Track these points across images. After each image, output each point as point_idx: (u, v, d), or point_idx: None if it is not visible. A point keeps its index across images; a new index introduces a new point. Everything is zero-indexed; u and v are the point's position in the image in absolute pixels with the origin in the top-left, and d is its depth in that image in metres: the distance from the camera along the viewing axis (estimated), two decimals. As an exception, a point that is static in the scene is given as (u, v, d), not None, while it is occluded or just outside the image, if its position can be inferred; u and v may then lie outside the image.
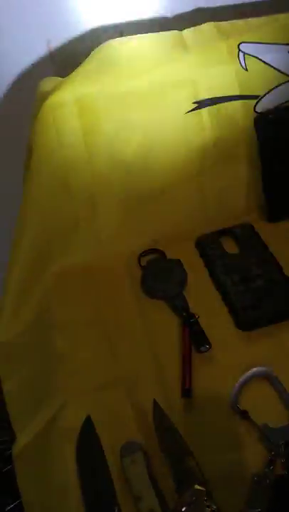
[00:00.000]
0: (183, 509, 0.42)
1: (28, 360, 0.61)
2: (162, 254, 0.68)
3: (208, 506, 0.42)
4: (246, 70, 0.66)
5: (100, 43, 0.64)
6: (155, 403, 0.50)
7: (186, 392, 0.52)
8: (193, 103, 0.65)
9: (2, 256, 0.66)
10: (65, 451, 0.48)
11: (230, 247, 0.67)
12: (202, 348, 0.55)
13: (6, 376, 0.60)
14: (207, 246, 0.67)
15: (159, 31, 0.66)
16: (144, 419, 0.50)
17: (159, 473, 0.45)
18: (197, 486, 0.43)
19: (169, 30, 0.66)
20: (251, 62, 0.66)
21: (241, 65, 0.66)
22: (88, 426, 0.49)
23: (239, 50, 0.66)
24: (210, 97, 0.65)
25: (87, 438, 0.48)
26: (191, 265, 0.65)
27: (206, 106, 0.65)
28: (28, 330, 0.63)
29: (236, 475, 0.45)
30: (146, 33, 0.65)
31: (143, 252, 0.68)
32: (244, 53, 0.66)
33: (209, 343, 0.56)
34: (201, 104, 0.65)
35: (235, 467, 0.46)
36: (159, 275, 0.64)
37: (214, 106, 0.65)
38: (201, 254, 0.67)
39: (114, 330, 0.59)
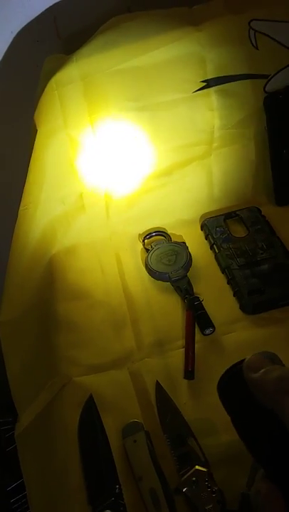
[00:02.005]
0: (184, 489, 0.42)
1: (32, 339, 0.60)
2: (167, 236, 0.67)
3: (209, 487, 0.42)
4: (257, 48, 0.64)
5: (107, 20, 0.63)
6: (158, 384, 0.50)
7: (189, 375, 0.51)
8: (201, 82, 0.63)
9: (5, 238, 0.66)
10: (67, 430, 0.48)
11: (236, 230, 0.66)
12: (206, 331, 0.55)
13: (10, 355, 0.60)
14: (213, 229, 0.66)
15: (167, 7, 0.64)
16: (146, 401, 0.50)
17: (160, 454, 0.46)
18: (198, 467, 0.43)
19: (178, 6, 0.64)
20: (262, 41, 0.64)
21: (252, 43, 0.64)
22: (90, 405, 0.49)
23: (250, 27, 0.64)
24: (218, 75, 0.63)
25: (89, 418, 0.49)
26: (196, 248, 0.65)
27: (214, 85, 0.63)
28: (32, 309, 0.63)
29: (237, 457, 0.45)
30: (154, 9, 0.63)
31: (148, 234, 0.67)
32: (255, 31, 0.64)
33: (213, 326, 0.55)
34: (209, 83, 0.63)
35: (236, 449, 0.46)
36: (163, 257, 0.63)
37: (223, 85, 0.63)
38: (207, 237, 0.66)
39: (118, 310, 0.59)
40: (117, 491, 0.43)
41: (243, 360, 0.36)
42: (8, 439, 0.87)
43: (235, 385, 0.32)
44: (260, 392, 0.30)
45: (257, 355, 0.33)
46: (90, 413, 0.49)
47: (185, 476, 0.43)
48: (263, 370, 0.31)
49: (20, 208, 0.64)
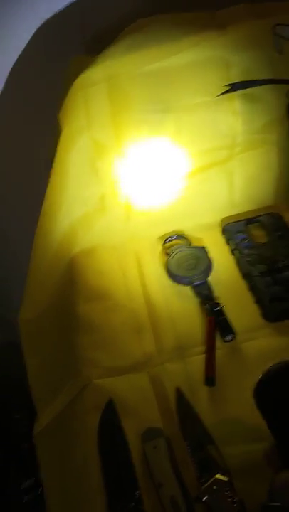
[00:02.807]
0: (204, 498, 0.42)
1: (52, 339, 0.61)
2: (187, 240, 0.67)
3: (230, 497, 0.41)
4: (281, 53, 0.63)
5: (132, 22, 0.62)
6: (178, 391, 0.50)
7: (210, 381, 0.51)
8: (226, 86, 0.62)
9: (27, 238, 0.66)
10: (87, 433, 0.48)
11: (257, 236, 0.66)
12: (227, 338, 0.55)
13: (30, 353, 0.61)
14: (234, 234, 0.65)
15: (192, 11, 0.64)
16: (166, 406, 0.50)
17: (180, 461, 0.45)
18: (220, 476, 0.43)
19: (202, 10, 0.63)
20: (286, 46, 0.63)
21: (276, 48, 0.63)
22: (110, 409, 0.49)
23: (274, 32, 0.63)
24: (243, 80, 0.63)
25: (109, 421, 0.48)
26: (216, 253, 0.64)
27: (238, 89, 0.62)
28: (52, 309, 0.63)
29: (258, 466, 0.45)
30: (179, 12, 0.63)
31: (168, 238, 0.67)
32: (279, 36, 0.63)
33: (234, 333, 0.55)
34: (233, 87, 0.62)
35: (258, 458, 0.46)
36: (184, 262, 0.63)
37: (247, 89, 0.63)
38: (228, 242, 0.66)
39: (138, 314, 0.58)
40: (137, 496, 0.43)
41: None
42: (23, 436, 0.88)
43: (270, 394, 0.32)
44: None
45: None
46: (110, 416, 0.49)
47: (206, 485, 0.42)
48: None
49: (42, 209, 0.64)
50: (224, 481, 0.42)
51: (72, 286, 0.63)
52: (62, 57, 0.65)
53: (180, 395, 0.50)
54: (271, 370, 0.42)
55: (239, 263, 0.62)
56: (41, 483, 0.50)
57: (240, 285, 0.61)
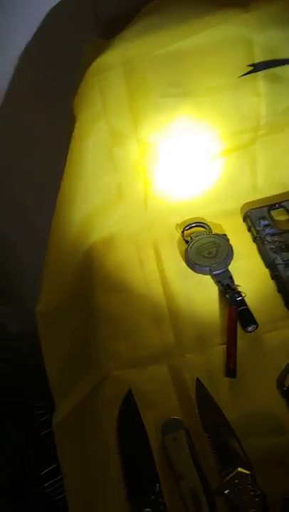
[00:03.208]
0: (226, 491, 0.41)
1: (70, 330, 0.60)
2: (207, 227, 0.65)
3: (252, 491, 0.40)
4: (307, 30, 0.60)
5: (148, 3, 0.60)
6: (198, 381, 0.49)
7: (231, 372, 0.50)
8: (248, 66, 0.60)
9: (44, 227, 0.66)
10: (106, 424, 0.48)
11: (280, 222, 0.64)
12: (248, 328, 0.53)
13: (48, 345, 0.61)
14: (256, 220, 0.63)
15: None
16: (186, 397, 0.49)
17: (201, 453, 0.45)
18: (241, 469, 0.42)
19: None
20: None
21: (301, 25, 0.60)
22: (129, 400, 0.48)
23: (300, 8, 0.60)
24: (266, 59, 0.60)
25: (129, 412, 0.48)
26: (238, 240, 0.62)
27: (261, 69, 0.60)
28: (70, 299, 0.63)
29: (281, 459, 0.44)
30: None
31: (187, 226, 0.66)
32: (305, 12, 0.60)
33: (256, 323, 0.53)
34: (256, 68, 0.60)
35: (280, 451, 0.44)
36: (204, 250, 0.61)
37: (270, 69, 0.60)
38: (249, 229, 0.64)
39: (157, 304, 0.57)
40: (157, 489, 0.42)
41: None
42: (43, 423, 0.89)
43: None
44: None
45: None
46: (129, 408, 0.48)
47: (227, 478, 0.41)
48: None
49: (59, 197, 0.63)
50: (246, 474, 0.41)
51: (89, 276, 0.62)
52: (75, 42, 0.64)
53: (200, 386, 0.49)
54: None
55: (261, 251, 0.60)
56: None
57: (263, 274, 0.59)
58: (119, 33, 0.59)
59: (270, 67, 0.60)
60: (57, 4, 0.65)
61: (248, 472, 0.41)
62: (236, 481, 0.41)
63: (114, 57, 0.58)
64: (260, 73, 0.60)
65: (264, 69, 0.60)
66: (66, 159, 0.63)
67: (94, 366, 0.53)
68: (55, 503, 0.84)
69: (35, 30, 0.67)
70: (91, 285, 0.60)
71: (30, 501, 0.85)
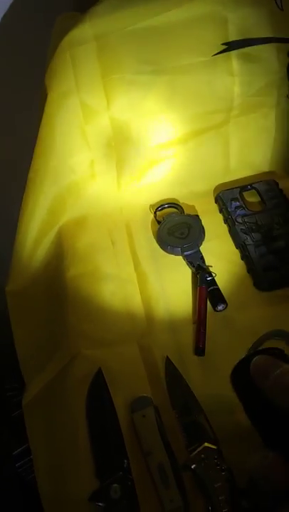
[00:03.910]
0: (193, 466, 0.42)
1: (40, 310, 0.60)
2: (180, 208, 0.65)
3: (218, 465, 0.41)
4: (282, 9, 0.60)
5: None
6: (168, 360, 0.50)
7: (200, 351, 0.50)
8: (222, 44, 0.59)
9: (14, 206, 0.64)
10: (75, 403, 0.48)
11: (252, 203, 0.64)
12: (218, 307, 0.54)
13: (18, 326, 0.60)
14: (228, 202, 0.63)
15: None
16: (156, 376, 0.49)
17: (169, 430, 0.45)
18: (208, 444, 0.43)
19: None
20: (288, 2, 0.60)
21: (277, 4, 0.60)
22: (99, 379, 0.48)
23: (275, -14, 0.59)
24: (241, 38, 0.59)
25: (98, 391, 0.48)
26: (209, 221, 0.62)
27: (235, 48, 0.59)
28: (40, 279, 0.62)
29: (247, 435, 0.45)
30: None
31: (159, 207, 0.65)
32: (280, -9, 0.60)
33: (226, 302, 0.54)
34: (230, 46, 0.59)
35: (246, 427, 0.45)
36: (175, 230, 0.61)
37: (245, 48, 0.59)
38: (221, 210, 0.64)
39: (128, 284, 0.57)
40: (125, 465, 0.43)
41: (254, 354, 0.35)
42: (15, 404, 0.88)
43: (246, 380, 0.32)
44: (276, 399, 0.29)
45: (261, 358, 0.32)
46: (99, 386, 0.48)
47: (194, 453, 0.42)
48: (273, 376, 0.30)
49: (29, 176, 0.62)
50: (213, 449, 0.42)
51: (60, 256, 0.61)
52: (49, 15, 0.62)
53: (169, 364, 0.49)
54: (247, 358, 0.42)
55: (232, 232, 0.61)
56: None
57: (234, 254, 0.59)
58: (93, 7, 0.57)
59: (244, 47, 0.59)
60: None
61: (214, 447, 0.42)
62: (203, 455, 0.42)
63: (88, 31, 0.57)
64: (234, 52, 0.59)
65: (238, 48, 0.59)
66: (37, 136, 0.61)
67: (64, 346, 0.53)
68: (27, 483, 0.84)
69: (7, 2, 0.64)
70: (62, 265, 0.60)
71: (1, 481, 0.85)
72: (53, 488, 0.44)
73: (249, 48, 0.60)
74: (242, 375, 0.32)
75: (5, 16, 0.66)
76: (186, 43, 0.59)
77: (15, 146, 0.70)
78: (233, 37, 0.59)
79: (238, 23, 0.59)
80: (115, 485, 0.41)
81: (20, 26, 0.67)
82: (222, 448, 0.43)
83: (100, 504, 0.40)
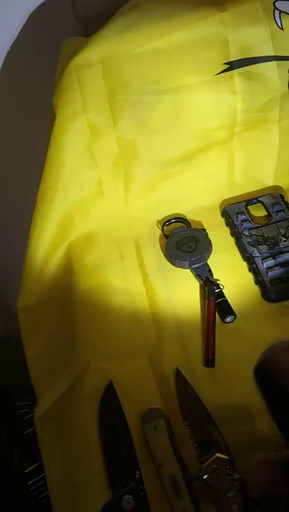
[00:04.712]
0: (205, 477, 0.42)
1: (51, 325, 0.61)
2: (187, 223, 0.66)
3: (230, 475, 0.41)
4: (282, 29, 0.62)
5: (127, 1, 0.61)
6: (178, 372, 0.50)
7: (209, 362, 0.51)
8: (224, 64, 0.61)
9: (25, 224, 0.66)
10: (87, 416, 0.48)
11: (258, 217, 0.65)
12: (227, 319, 0.54)
13: (29, 341, 0.61)
14: (234, 215, 0.64)
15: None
16: (166, 388, 0.49)
17: (180, 441, 0.45)
18: (219, 455, 0.43)
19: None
20: (288, 21, 0.62)
21: (277, 24, 0.62)
22: (110, 391, 0.49)
23: (275, 7, 0.62)
24: (242, 57, 0.61)
25: (109, 403, 0.48)
26: (216, 235, 0.63)
27: (237, 67, 0.61)
28: (50, 295, 0.63)
29: (258, 445, 0.45)
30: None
31: (167, 221, 0.66)
32: (280, 11, 0.62)
33: (234, 314, 0.55)
34: (232, 66, 0.61)
35: (257, 438, 0.45)
36: (183, 244, 0.62)
37: (246, 67, 0.61)
38: (227, 224, 0.65)
39: (137, 297, 0.58)
40: (137, 476, 0.43)
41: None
42: (26, 422, 0.88)
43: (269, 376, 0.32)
44: None
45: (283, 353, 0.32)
46: (110, 399, 0.48)
47: (206, 464, 0.42)
48: None
49: (39, 194, 0.64)
50: (224, 459, 0.42)
51: (70, 272, 0.62)
52: (55, 40, 0.64)
53: (180, 376, 0.49)
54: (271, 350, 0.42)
55: (239, 245, 0.62)
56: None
57: (241, 267, 0.60)
58: (98, 31, 0.60)
59: (246, 65, 0.61)
60: (37, 1, 0.66)
61: (226, 457, 0.42)
62: (215, 466, 0.42)
63: (94, 54, 0.59)
64: (236, 71, 0.61)
65: (240, 67, 0.61)
66: (46, 156, 0.63)
67: (74, 359, 0.54)
68: (40, 501, 0.84)
69: (15, 26, 0.67)
70: (72, 280, 0.61)
71: (14, 500, 0.85)
72: (65, 501, 0.45)
73: (250, 66, 0.62)
74: (266, 372, 0.32)
75: (14, 40, 0.69)
76: (189, 64, 0.61)
77: (24, 165, 0.72)
78: (234, 56, 0.61)
79: (239, 43, 0.61)
80: (128, 496, 0.41)
81: (28, 50, 0.70)
82: (234, 458, 0.43)
83: (112, 515, 0.40)
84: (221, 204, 0.68)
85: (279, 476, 0.30)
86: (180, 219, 0.67)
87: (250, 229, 0.63)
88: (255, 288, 0.57)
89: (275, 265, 0.59)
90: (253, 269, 0.59)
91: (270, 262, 0.59)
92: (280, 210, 0.64)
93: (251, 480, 0.32)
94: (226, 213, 0.65)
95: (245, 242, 0.61)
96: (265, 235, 0.62)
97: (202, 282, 0.58)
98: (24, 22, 0.68)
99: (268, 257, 0.59)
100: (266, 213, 0.65)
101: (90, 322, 0.56)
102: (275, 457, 0.32)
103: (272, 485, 0.30)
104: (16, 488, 0.84)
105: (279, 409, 0.34)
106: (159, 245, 0.65)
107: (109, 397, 0.49)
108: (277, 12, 0.62)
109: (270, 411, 0.35)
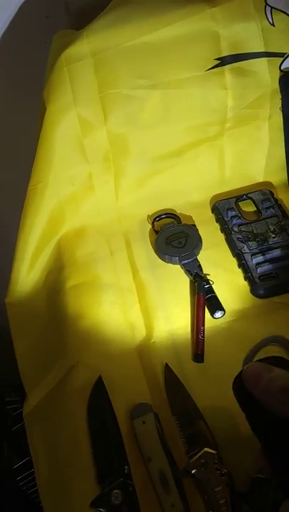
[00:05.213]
0: (193, 471, 0.42)
1: (40, 320, 0.60)
2: (177, 218, 0.66)
3: (218, 469, 0.42)
4: (273, 25, 0.62)
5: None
6: (167, 367, 0.50)
7: (198, 358, 0.51)
8: (215, 60, 0.61)
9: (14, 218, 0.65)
10: (76, 411, 0.48)
11: (248, 213, 0.65)
12: (216, 314, 0.55)
13: (18, 336, 0.60)
14: (224, 211, 0.65)
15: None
16: (155, 383, 0.50)
17: (169, 436, 0.46)
18: (207, 449, 0.43)
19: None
20: (279, 18, 0.62)
21: (268, 20, 0.62)
22: (99, 386, 0.49)
23: (266, 4, 0.62)
24: (233, 53, 0.61)
25: (99, 398, 0.48)
26: (206, 230, 0.64)
27: (228, 63, 0.61)
28: (40, 291, 0.63)
29: (246, 440, 0.45)
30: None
31: (157, 217, 0.66)
32: (271, 7, 0.62)
33: (223, 309, 0.55)
34: (223, 61, 0.61)
35: (245, 432, 0.45)
36: (173, 240, 0.62)
37: (237, 63, 0.61)
38: (217, 220, 0.65)
39: (127, 293, 0.58)
40: (126, 471, 0.43)
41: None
42: (15, 417, 0.88)
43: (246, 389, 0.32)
44: (266, 405, 0.30)
45: (253, 365, 0.33)
46: (99, 394, 0.48)
47: (194, 458, 0.43)
48: (264, 382, 0.30)
49: (29, 188, 0.63)
50: (212, 453, 0.42)
51: (60, 267, 0.62)
52: (46, 32, 0.64)
53: (169, 371, 0.50)
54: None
55: (229, 241, 0.62)
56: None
57: (230, 262, 0.60)
58: (90, 24, 0.59)
59: (237, 61, 0.61)
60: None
61: (214, 452, 0.43)
62: (203, 460, 0.42)
63: (84, 47, 0.59)
64: (227, 67, 0.61)
65: (230, 63, 0.61)
66: (36, 150, 0.63)
67: (64, 355, 0.53)
68: (28, 497, 0.84)
69: (6, 19, 0.66)
70: (61, 275, 0.61)
71: (2, 495, 0.84)
72: (54, 496, 0.45)
73: (241, 62, 0.62)
74: (243, 385, 0.32)
75: (4, 33, 0.68)
76: (180, 59, 0.61)
77: (14, 159, 0.71)
78: (225, 52, 0.61)
79: (230, 39, 0.61)
80: (116, 491, 0.41)
81: (19, 43, 0.69)
82: (222, 453, 0.43)
83: (101, 510, 0.40)
84: (211, 200, 0.68)
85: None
86: (170, 214, 0.67)
87: (240, 225, 0.63)
88: (245, 284, 0.58)
89: (264, 261, 0.59)
90: (243, 265, 0.59)
91: (260, 258, 0.59)
92: (269, 207, 0.65)
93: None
94: (216, 209, 0.65)
95: (234, 238, 0.61)
96: (255, 232, 0.62)
97: (192, 278, 0.59)
98: (15, 14, 0.67)
99: (258, 253, 0.59)
100: (256, 210, 0.65)
101: (79, 317, 0.56)
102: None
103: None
104: (5, 484, 0.83)
105: (257, 425, 0.34)
106: (149, 241, 0.65)
107: (99, 392, 0.49)
108: (268, 8, 0.62)
109: (249, 424, 0.36)
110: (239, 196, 0.66)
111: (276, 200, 0.65)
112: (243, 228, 0.63)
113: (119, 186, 0.66)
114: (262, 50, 0.62)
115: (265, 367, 0.32)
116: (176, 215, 0.66)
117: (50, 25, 0.67)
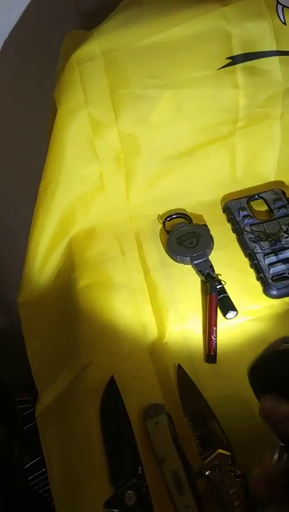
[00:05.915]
0: (207, 472, 0.42)
1: (52, 321, 0.61)
2: (188, 218, 0.66)
3: (232, 471, 0.41)
4: (285, 24, 0.62)
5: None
6: (180, 367, 0.50)
7: (211, 358, 0.51)
8: (227, 59, 0.61)
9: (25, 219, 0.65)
10: (89, 411, 0.48)
11: (259, 213, 0.65)
12: (228, 315, 0.54)
13: (30, 336, 0.61)
14: (235, 211, 0.64)
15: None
16: (168, 383, 0.49)
17: (182, 437, 0.45)
18: (221, 451, 0.43)
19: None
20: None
21: (280, 19, 0.61)
22: (112, 387, 0.49)
23: (278, 2, 0.61)
24: (244, 52, 0.61)
25: (111, 399, 0.48)
26: (217, 230, 0.63)
27: (240, 62, 0.61)
28: (52, 291, 0.63)
29: (260, 441, 0.45)
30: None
31: (168, 217, 0.66)
32: (283, 6, 0.61)
33: (236, 310, 0.55)
34: (234, 60, 0.61)
35: (259, 433, 0.45)
36: (184, 240, 0.62)
37: (249, 62, 0.61)
38: (229, 220, 0.65)
39: (139, 293, 0.58)
40: (139, 472, 0.43)
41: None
42: (26, 417, 0.89)
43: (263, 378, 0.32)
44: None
45: (267, 400, 0.33)
46: (112, 395, 0.48)
47: (208, 459, 0.42)
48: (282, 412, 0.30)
49: (40, 189, 0.63)
50: (226, 455, 0.42)
51: (71, 267, 0.62)
52: (57, 33, 0.64)
53: (181, 371, 0.49)
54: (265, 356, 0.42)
55: (241, 241, 0.62)
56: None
57: (242, 263, 0.60)
58: (100, 24, 0.59)
59: (248, 60, 0.61)
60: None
61: (228, 453, 0.42)
62: (216, 462, 0.42)
63: (95, 48, 0.59)
64: (239, 66, 0.61)
65: (242, 62, 0.61)
66: (47, 149, 0.63)
67: (76, 355, 0.53)
68: (40, 496, 0.84)
69: (16, 20, 0.66)
70: (73, 275, 0.61)
71: (14, 495, 0.85)
72: (67, 496, 0.45)
73: (253, 61, 0.61)
74: (259, 374, 0.32)
75: (15, 34, 0.68)
76: (192, 58, 0.61)
77: (25, 159, 0.71)
78: (237, 51, 0.61)
79: (241, 38, 0.60)
80: (130, 491, 0.41)
81: (29, 43, 0.69)
82: (235, 454, 0.43)
83: (114, 510, 0.40)
84: (223, 199, 0.68)
85: (279, 488, 0.30)
86: (181, 214, 0.66)
87: (251, 225, 0.63)
88: (257, 284, 0.57)
89: (277, 262, 0.58)
90: (255, 265, 0.58)
91: (272, 258, 0.59)
92: (281, 207, 0.64)
93: (251, 493, 0.33)
94: (227, 209, 0.65)
95: (246, 239, 0.61)
96: (267, 231, 0.62)
97: (204, 278, 0.58)
98: (25, 15, 0.67)
99: (270, 253, 0.59)
100: (268, 209, 0.65)
101: (91, 317, 0.56)
102: (274, 470, 0.32)
103: (273, 497, 0.30)
104: (16, 484, 0.84)
105: None
106: (160, 241, 0.64)
107: (111, 392, 0.48)
108: (280, 7, 0.61)
109: None
110: (251, 196, 0.66)
111: (288, 200, 0.65)
112: (254, 228, 0.62)
113: (130, 186, 0.66)
114: (274, 48, 0.61)
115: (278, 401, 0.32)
116: (187, 214, 0.66)
117: (60, 26, 0.67)
